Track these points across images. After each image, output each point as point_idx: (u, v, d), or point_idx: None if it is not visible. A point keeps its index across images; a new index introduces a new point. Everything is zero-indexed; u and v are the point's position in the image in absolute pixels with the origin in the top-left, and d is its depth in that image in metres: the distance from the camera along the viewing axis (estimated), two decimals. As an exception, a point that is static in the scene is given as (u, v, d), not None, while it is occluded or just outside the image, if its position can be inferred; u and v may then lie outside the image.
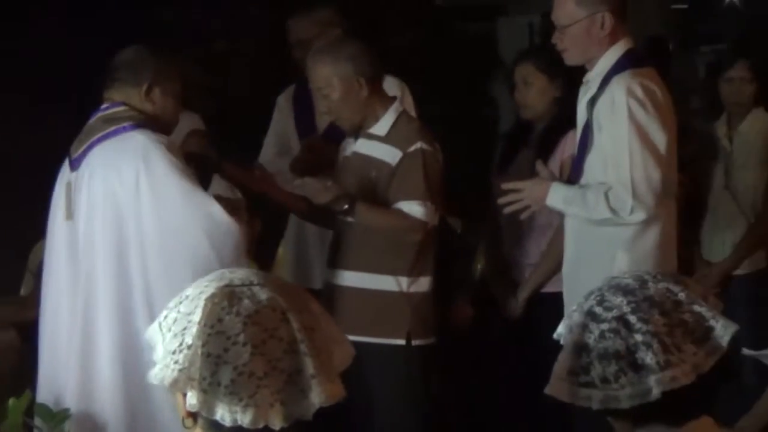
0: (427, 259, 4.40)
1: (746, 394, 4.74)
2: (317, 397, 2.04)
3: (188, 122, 5.54)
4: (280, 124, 5.20)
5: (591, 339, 2.14)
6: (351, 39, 4.51)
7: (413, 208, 4.26)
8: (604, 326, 2.13)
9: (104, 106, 3.94)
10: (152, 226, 3.78)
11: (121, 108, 3.90)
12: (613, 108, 4.01)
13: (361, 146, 4.39)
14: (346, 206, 4.24)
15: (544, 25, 8.37)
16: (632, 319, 2.12)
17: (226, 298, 2.06)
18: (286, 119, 5.16)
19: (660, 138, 4.01)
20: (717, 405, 2.26)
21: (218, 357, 2.02)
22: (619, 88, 4.01)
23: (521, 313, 4.85)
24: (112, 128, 3.86)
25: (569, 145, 4.64)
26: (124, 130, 3.85)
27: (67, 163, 3.98)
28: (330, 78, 4.29)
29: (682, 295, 2.16)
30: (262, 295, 2.07)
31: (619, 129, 4.00)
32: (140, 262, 3.78)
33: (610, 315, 2.14)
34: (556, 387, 2.18)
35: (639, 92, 3.99)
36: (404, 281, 4.34)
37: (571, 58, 4.20)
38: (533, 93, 4.89)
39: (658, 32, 9.06)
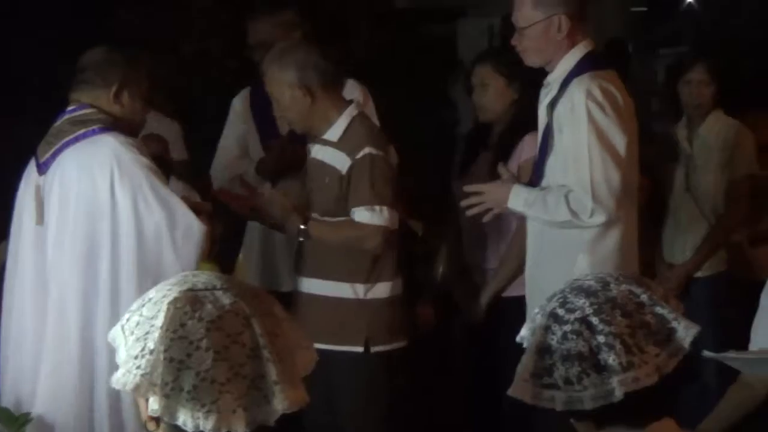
0: (386, 265, 4.39)
1: (708, 395, 4.78)
2: (280, 403, 2.03)
3: (167, 128, 5.52)
4: (237, 127, 5.17)
5: (554, 341, 2.15)
6: (303, 45, 4.49)
7: (364, 214, 4.26)
8: (567, 328, 2.14)
9: (71, 107, 3.90)
10: (128, 229, 3.75)
11: (90, 110, 3.86)
12: (572, 110, 4.01)
13: (317, 152, 4.41)
14: (299, 229, 4.28)
15: (504, 27, 8.39)
16: (595, 320, 2.13)
17: (189, 303, 2.05)
18: (245, 122, 5.14)
19: (619, 140, 4.01)
20: (679, 406, 2.27)
21: (181, 362, 2.01)
22: (578, 90, 4.01)
23: (483, 317, 4.84)
24: (81, 131, 3.82)
25: (527, 148, 4.64)
26: (94, 133, 3.81)
27: (33, 165, 3.93)
28: (278, 84, 4.31)
29: (644, 297, 2.17)
30: (225, 299, 2.06)
31: (578, 131, 4.00)
32: (110, 266, 3.76)
33: (572, 317, 2.14)
34: (520, 388, 2.18)
35: (598, 95, 4.00)
36: (360, 288, 4.34)
37: (530, 60, 4.20)
38: (491, 95, 4.87)
39: (617, 35, 9.11)
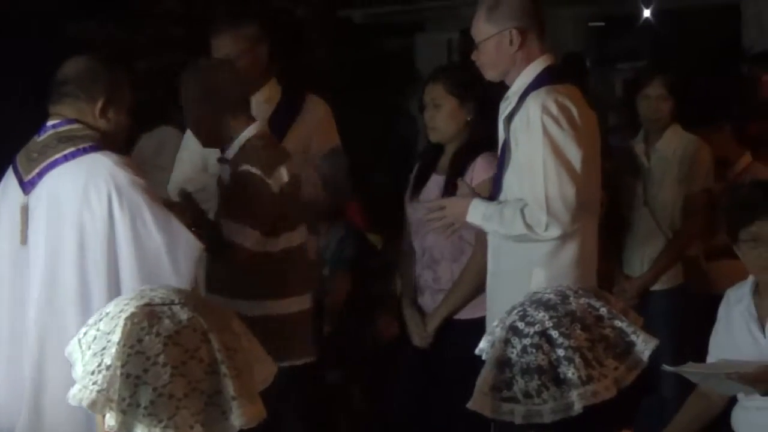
0: (291, 280, 4.35)
1: (666, 407, 4.80)
2: (237, 419, 2.03)
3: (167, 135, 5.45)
4: (195, 141, 5.14)
5: (513, 354, 2.15)
6: (220, 66, 4.45)
7: (233, 227, 4.20)
8: (527, 341, 2.14)
9: (55, 122, 3.76)
10: (128, 253, 3.66)
11: (75, 126, 3.73)
12: (528, 124, 4.02)
13: (220, 170, 4.40)
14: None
15: (463, 42, 8.42)
16: (554, 334, 2.13)
17: (146, 318, 2.04)
18: None
19: (575, 154, 4.01)
20: (638, 418, 2.28)
21: (138, 378, 2.00)
22: (534, 104, 4.02)
23: (430, 341, 4.76)
24: (71, 149, 3.69)
25: (479, 170, 4.58)
26: (85, 152, 3.69)
27: (13, 182, 3.79)
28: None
29: (603, 311, 2.18)
30: (183, 315, 2.05)
31: (533, 145, 4.00)
32: (107, 288, 3.64)
33: (532, 330, 2.15)
34: (479, 402, 2.18)
35: (553, 109, 4.00)
36: (267, 304, 4.28)
37: (488, 74, 4.21)
38: (443, 116, 4.71)
39: (574, 49, 9.15)
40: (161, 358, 2.00)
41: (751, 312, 3.83)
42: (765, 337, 3.80)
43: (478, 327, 4.15)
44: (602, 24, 11.06)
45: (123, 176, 3.68)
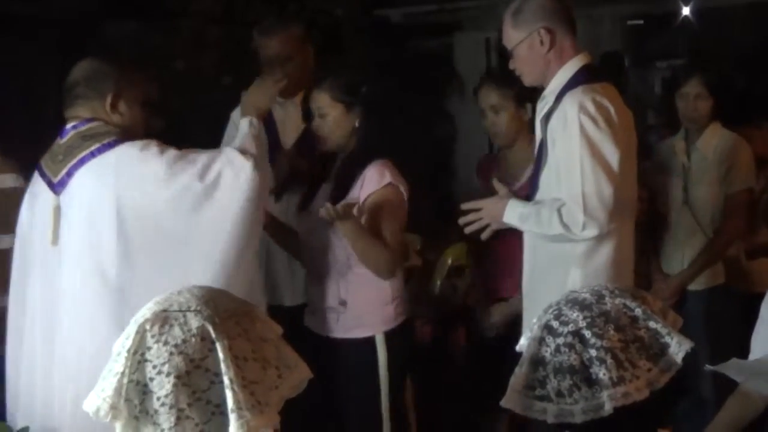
0: None
1: (705, 409, 4.77)
2: (235, 431, 2.00)
3: None
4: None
5: (547, 353, 2.15)
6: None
7: None
8: (560, 340, 2.14)
9: (75, 123, 3.80)
10: (178, 228, 3.70)
11: (95, 123, 3.78)
12: (565, 124, 4.01)
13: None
14: None
15: (501, 41, 8.39)
16: (587, 334, 2.12)
17: (158, 324, 2.03)
18: None
19: (612, 154, 4.00)
20: (677, 420, 2.26)
21: (145, 386, 2.00)
22: (571, 103, 4.01)
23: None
24: (96, 146, 3.73)
25: (369, 180, 4.35)
26: (110, 146, 3.74)
27: (41, 185, 3.83)
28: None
29: (638, 311, 2.17)
30: (194, 322, 2.04)
31: (571, 145, 3.99)
32: (150, 273, 3.65)
33: (566, 329, 2.14)
34: (512, 400, 2.19)
35: (591, 108, 4.00)
36: None
37: (527, 80, 4.22)
38: (329, 124, 4.44)
39: (612, 48, 9.11)
40: (165, 368, 1.99)
41: None
42: None
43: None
44: (640, 22, 11.01)
45: (154, 162, 3.70)
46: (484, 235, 4.26)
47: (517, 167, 4.85)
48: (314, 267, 4.47)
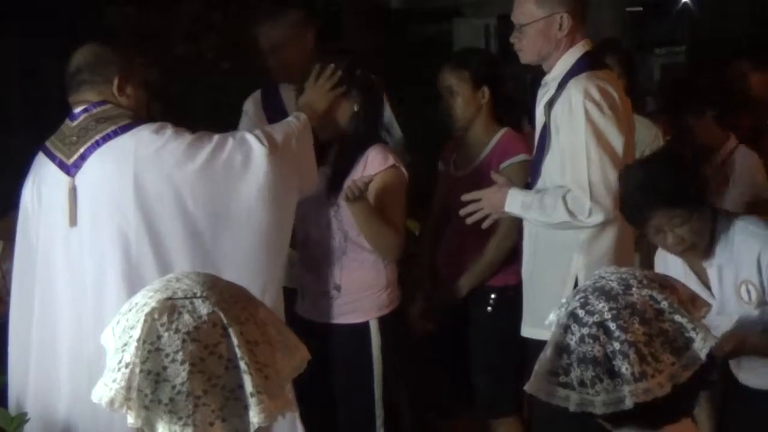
0: None
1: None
2: (256, 416, 2.00)
3: None
4: (250, 127, 5.14)
5: (572, 341, 2.14)
6: None
7: None
8: (585, 330, 2.13)
9: (85, 106, 3.78)
10: (200, 205, 3.72)
11: (108, 106, 3.77)
12: (570, 110, 4.01)
13: None
14: None
15: (501, 27, 8.39)
16: (612, 326, 2.11)
17: (166, 313, 2.02)
18: (260, 122, 5.09)
19: (617, 140, 4.01)
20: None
21: (158, 375, 1.99)
22: (575, 90, 4.01)
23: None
24: (112, 128, 3.73)
25: (372, 162, 4.33)
26: (125, 129, 3.73)
27: (52, 168, 3.80)
28: None
29: (664, 304, 2.15)
30: (203, 309, 2.03)
31: (576, 131, 4.00)
32: (180, 247, 3.69)
33: (591, 320, 2.13)
34: (535, 384, 2.18)
35: (595, 94, 4.00)
36: None
37: (525, 57, 4.19)
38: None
39: (612, 34, 9.10)
40: (179, 356, 1.98)
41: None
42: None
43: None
44: (640, 9, 11.00)
45: (171, 144, 3.71)
46: (485, 224, 4.26)
47: (472, 151, 4.81)
48: (308, 252, 4.44)
